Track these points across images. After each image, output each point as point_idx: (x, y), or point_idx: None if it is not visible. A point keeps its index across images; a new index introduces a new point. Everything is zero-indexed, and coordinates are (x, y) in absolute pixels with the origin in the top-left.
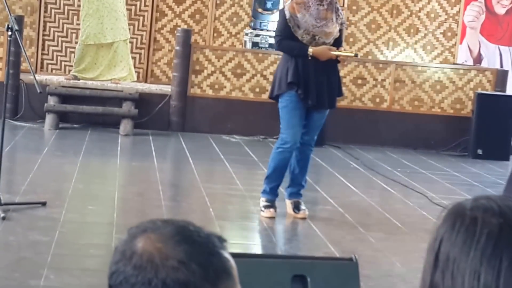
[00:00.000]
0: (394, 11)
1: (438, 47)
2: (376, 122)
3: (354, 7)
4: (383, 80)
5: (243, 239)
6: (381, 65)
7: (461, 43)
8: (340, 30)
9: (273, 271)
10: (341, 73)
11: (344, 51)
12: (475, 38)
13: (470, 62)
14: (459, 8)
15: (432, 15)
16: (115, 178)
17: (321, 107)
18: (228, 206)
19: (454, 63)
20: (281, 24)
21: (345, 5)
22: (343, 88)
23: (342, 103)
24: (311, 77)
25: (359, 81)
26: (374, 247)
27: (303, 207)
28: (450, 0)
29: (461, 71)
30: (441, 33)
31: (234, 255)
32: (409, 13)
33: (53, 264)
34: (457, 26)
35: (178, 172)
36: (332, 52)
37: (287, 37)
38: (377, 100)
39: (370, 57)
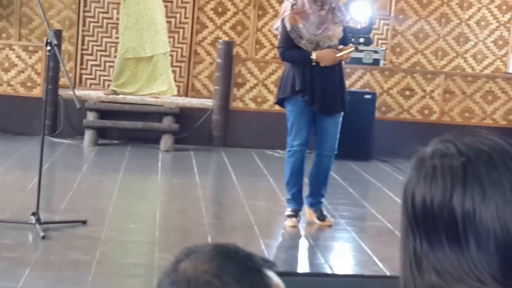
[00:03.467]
0: (443, 20)
1: (489, 56)
2: (425, 134)
3: (401, 16)
4: (432, 91)
5: (290, 257)
6: (429, 76)
7: None
8: (344, 28)
9: None
10: (388, 85)
11: (345, 50)
12: None
13: None
14: (511, 16)
15: (483, 23)
16: (156, 196)
17: (329, 112)
18: (273, 224)
19: (506, 73)
20: (283, 35)
21: (392, 14)
22: (390, 100)
23: (389, 115)
24: (317, 82)
25: (407, 93)
26: None
27: (326, 214)
28: (501, 7)
29: None
30: (492, 41)
31: (281, 274)
32: (458, 21)
33: (94, 284)
34: (509, 34)
35: (220, 189)
36: (337, 55)
37: (290, 48)
38: (426, 112)
39: (418, 68)
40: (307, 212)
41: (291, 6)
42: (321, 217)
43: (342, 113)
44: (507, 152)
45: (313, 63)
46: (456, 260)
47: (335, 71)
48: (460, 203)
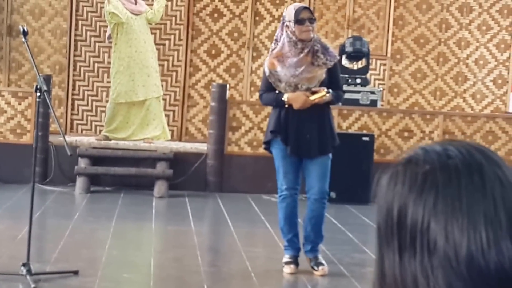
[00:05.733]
0: (441, 59)
1: (489, 96)
2: None
3: (398, 56)
4: (431, 132)
5: None
6: (428, 116)
7: None
8: (330, 70)
9: None
10: (386, 126)
11: (317, 94)
12: None
13: None
14: (509, 54)
15: (481, 62)
16: (151, 244)
17: (305, 155)
18: (271, 271)
19: (506, 112)
20: (263, 80)
21: (388, 55)
22: (389, 142)
23: (388, 157)
24: (291, 124)
25: (406, 134)
26: None
27: (322, 262)
28: (499, 45)
29: None
30: (491, 80)
31: None
32: (456, 60)
33: None
34: (508, 73)
35: (216, 236)
36: (310, 98)
37: (269, 91)
38: None
39: (416, 108)
40: (307, 260)
41: (271, 51)
42: (316, 266)
43: (330, 155)
44: (477, 165)
45: (286, 105)
46: (408, 271)
47: (313, 114)
48: (412, 211)
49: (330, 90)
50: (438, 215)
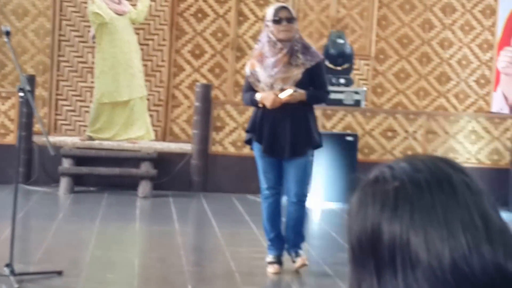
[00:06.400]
0: (424, 59)
1: (472, 96)
2: None
3: (382, 56)
4: (415, 131)
5: None
6: (412, 116)
7: (495, 90)
8: (312, 70)
9: None
10: (370, 126)
11: (285, 92)
12: (510, 85)
13: (506, 110)
14: (492, 54)
15: (464, 62)
16: (135, 244)
17: (279, 155)
18: (255, 271)
19: (489, 112)
20: (245, 80)
21: (372, 55)
22: (373, 141)
23: (371, 156)
24: (265, 124)
25: (389, 134)
26: None
27: (300, 253)
28: (482, 46)
29: (497, 120)
30: (474, 80)
31: None
32: (439, 60)
33: None
34: (491, 73)
35: (200, 236)
36: (280, 96)
37: (250, 92)
38: (409, 152)
39: (400, 108)
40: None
41: (254, 51)
42: (296, 257)
43: (309, 157)
44: (445, 175)
45: (260, 105)
46: None
47: (288, 114)
48: (388, 228)
49: (298, 89)
50: (417, 228)
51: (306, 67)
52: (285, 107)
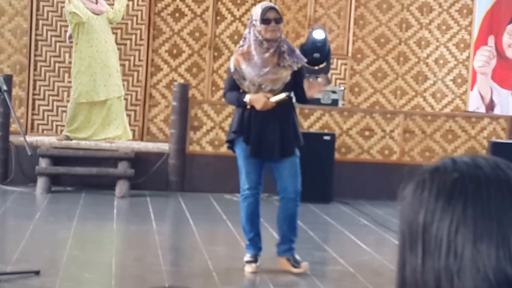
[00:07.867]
0: (401, 58)
1: (448, 95)
2: (386, 175)
3: (359, 56)
4: (392, 131)
5: None
6: (389, 115)
7: (472, 89)
8: (296, 72)
9: None
10: (347, 125)
11: (278, 96)
12: (487, 84)
13: (482, 109)
14: (469, 54)
15: (441, 62)
16: (112, 243)
17: (267, 157)
18: (232, 270)
19: (465, 111)
20: (228, 77)
21: (349, 54)
22: (350, 140)
23: (349, 156)
24: (254, 125)
25: (367, 133)
26: None
27: (300, 259)
28: (459, 45)
29: (473, 119)
30: (451, 80)
31: None
32: (416, 60)
33: None
34: (468, 72)
35: (178, 235)
36: (270, 100)
37: (233, 90)
38: (386, 152)
39: (377, 107)
40: (281, 263)
41: (238, 48)
42: (296, 264)
43: (298, 154)
44: (505, 176)
45: (248, 106)
46: (431, 275)
47: (277, 115)
48: (440, 216)
49: (292, 95)
50: (468, 221)
51: (293, 69)
52: (273, 108)
